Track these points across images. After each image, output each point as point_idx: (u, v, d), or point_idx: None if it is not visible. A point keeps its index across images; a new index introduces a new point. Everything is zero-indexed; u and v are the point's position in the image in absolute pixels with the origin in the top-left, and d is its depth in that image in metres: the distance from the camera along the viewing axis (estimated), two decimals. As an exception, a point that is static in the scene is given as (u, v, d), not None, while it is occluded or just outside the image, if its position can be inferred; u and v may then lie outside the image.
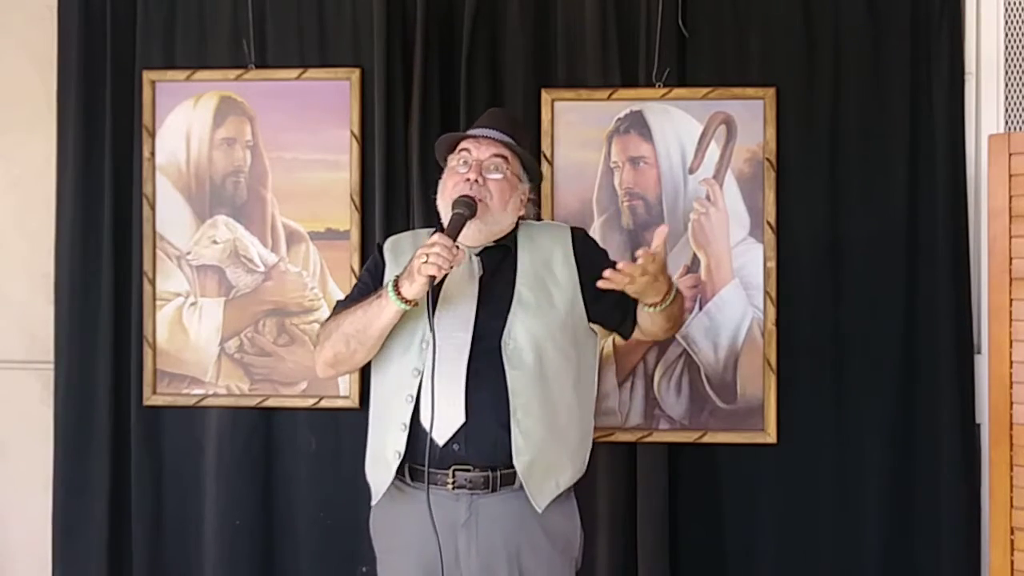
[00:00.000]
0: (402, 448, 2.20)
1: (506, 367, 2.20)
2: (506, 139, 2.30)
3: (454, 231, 2.16)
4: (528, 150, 2.38)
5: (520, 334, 2.22)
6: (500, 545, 2.19)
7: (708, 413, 2.84)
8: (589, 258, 2.33)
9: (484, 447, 2.18)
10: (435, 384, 2.15)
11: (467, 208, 2.21)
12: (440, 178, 2.35)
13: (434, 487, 2.16)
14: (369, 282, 2.36)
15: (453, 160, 2.33)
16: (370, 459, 2.33)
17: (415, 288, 2.12)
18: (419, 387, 2.19)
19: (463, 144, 2.32)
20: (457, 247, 2.14)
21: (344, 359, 2.28)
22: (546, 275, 2.29)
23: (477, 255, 2.30)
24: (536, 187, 2.65)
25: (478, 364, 2.20)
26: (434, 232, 2.21)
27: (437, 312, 2.20)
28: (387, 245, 2.42)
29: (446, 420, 2.17)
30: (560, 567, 2.26)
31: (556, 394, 2.24)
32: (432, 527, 2.12)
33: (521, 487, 2.19)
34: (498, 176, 2.27)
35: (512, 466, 2.18)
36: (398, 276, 2.17)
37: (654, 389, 2.86)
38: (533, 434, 2.19)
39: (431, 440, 2.16)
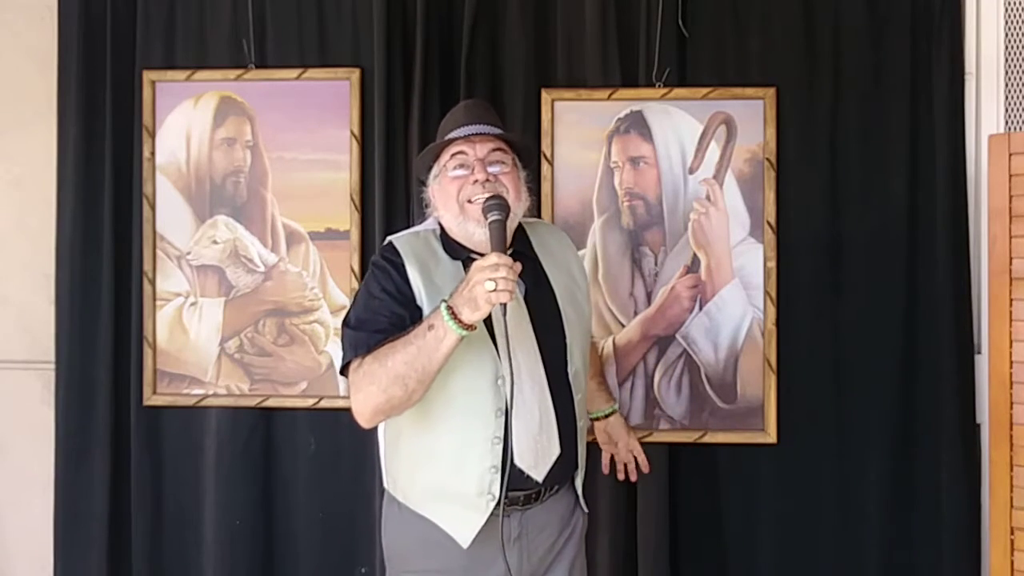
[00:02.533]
0: (498, 491, 2.07)
1: (573, 392, 2.18)
2: (496, 131, 2.16)
3: (502, 243, 2.00)
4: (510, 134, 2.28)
5: (576, 356, 2.19)
6: (548, 548, 2.22)
7: (708, 413, 2.84)
8: None
9: (563, 472, 2.19)
10: (526, 423, 2.09)
11: (502, 211, 2.04)
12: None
13: None
14: (398, 310, 2.07)
15: (450, 164, 2.14)
16: (432, 496, 2.14)
17: (479, 315, 1.94)
18: (505, 427, 2.07)
19: (456, 147, 2.14)
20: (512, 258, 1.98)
21: (399, 403, 2.02)
22: (572, 286, 2.26)
23: None
24: (534, 173, 2.64)
25: (556, 394, 2.13)
26: (438, 230, 2.17)
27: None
28: (409, 266, 2.12)
29: (544, 458, 2.12)
30: (583, 548, 2.34)
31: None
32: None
33: (558, 490, 2.21)
34: (505, 169, 2.13)
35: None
36: (447, 301, 1.97)
37: (654, 389, 2.86)
38: (584, 451, 2.25)
39: (528, 477, 2.11)
